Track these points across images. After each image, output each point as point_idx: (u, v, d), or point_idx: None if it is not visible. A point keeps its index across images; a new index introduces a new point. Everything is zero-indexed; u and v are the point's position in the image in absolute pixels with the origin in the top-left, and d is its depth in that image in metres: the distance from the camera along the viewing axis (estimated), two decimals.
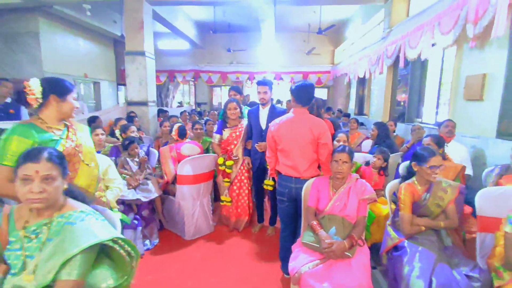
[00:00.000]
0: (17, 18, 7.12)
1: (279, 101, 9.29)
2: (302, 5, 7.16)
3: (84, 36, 8.84)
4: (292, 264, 1.87)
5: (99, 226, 1.21)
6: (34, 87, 1.52)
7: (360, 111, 8.83)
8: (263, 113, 3.11)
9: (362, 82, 8.68)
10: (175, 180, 3.15)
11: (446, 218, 1.93)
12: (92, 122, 4.43)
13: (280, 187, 2.34)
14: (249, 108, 3.53)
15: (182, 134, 3.36)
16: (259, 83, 3.08)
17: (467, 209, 2.42)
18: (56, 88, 1.58)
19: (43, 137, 1.51)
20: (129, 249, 1.25)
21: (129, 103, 6.32)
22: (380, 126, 3.65)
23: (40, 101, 1.54)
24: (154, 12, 6.69)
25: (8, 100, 3.96)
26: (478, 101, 3.41)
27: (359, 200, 1.96)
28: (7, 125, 2.25)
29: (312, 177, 2.23)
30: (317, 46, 10.71)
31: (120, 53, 10.83)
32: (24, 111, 4.10)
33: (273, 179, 3.04)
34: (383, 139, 3.50)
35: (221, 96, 13.52)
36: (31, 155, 1.18)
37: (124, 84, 11.60)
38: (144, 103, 6.23)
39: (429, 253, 1.75)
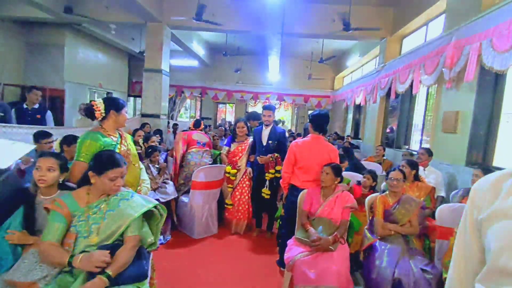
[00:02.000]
0: (46, 31, 7.81)
1: (278, 122, 9.88)
2: (306, 37, 7.92)
3: (103, 50, 9.55)
4: (287, 255, 2.34)
5: (143, 200, 1.75)
6: (100, 105, 2.05)
7: (356, 134, 9.41)
8: (266, 132, 3.66)
9: (358, 108, 9.33)
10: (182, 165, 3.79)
11: (410, 226, 2.43)
12: None
13: (292, 196, 2.80)
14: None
15: (197, 124, 4.09)
16: (265, 108, 3.66)
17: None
18: (114, 105, 2.11)
19: (106, 142, 2.03)
20: (162, 211, 1.80)
21: (143, 115, 6.86)
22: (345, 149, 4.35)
23: (103, 115, 2.06)
24: (172, 34, 7.38)
25: (36, 106, 4.39)
26: (453, 134, 3.97)
27: (342, 207, 2.46)
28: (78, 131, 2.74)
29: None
30: (319, 72, 11.46)
31: (133, 66, 11.56)
32: (49, 117, 4.54)
33: (270, 189, 3.56)
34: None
35: (225, 112, 14.18)
36: (117, 162, 1.69)
37: (134, 96, 12.32)
38: (157, 116, 6.79)
39: (395, 249, 2.23)
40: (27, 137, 3.64)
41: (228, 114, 14.31)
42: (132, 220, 1.63)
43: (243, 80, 12.32)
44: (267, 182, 3.59)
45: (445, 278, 1.49)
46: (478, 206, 0.70)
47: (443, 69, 4.01)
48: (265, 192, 3.55)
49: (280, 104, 12.85)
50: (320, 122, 2.77)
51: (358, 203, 2.63)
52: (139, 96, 10.93)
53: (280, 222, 3.32)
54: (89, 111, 2.06)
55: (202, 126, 4.25)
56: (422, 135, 5.33)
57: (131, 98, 12.57)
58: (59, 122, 7.57)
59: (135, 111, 12.82)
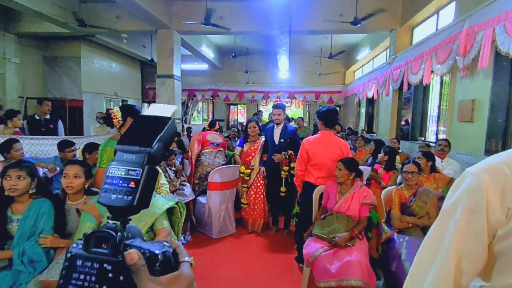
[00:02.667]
0: (62, 45, 8.14)
1: (290, 119, 9.86)
2: (314, 34, 7.89)
3: (116, 59, 9.84)
4: (306, 250, 2.38)
5: (165, 199, 1.86)
6: (117, 113, 2.15)
7: (370, 129, 9.28)
8: (277, 131, 3.70)
9: (371, 102, 9.20)
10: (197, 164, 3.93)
11: (429, 218, 2.41)
12: None
13: (307, 193, 2.84)
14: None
15: (212, 124, 4.23)
16: (275, 107, 3.70)
17: None
18: (131, 112, 2.20)
19: None
20: (181, 208, 1.92)
21: None
22: (377, 142, 4.33)
23: (121, 122, 2.17)
24: (182, 39, 7.53)
25: (48, 116, 4.58)
26: (469, 123, 3.88)
27: (360, 203, 2.46)
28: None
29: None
30: (329, 67, 11.37)
31: (146, 73, 11.85)
32: (60, 126, 4.75)
33: (285, 186, 3.59)
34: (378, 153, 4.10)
35: (237, 113, 14.28)
36: None
37: (148, 102, 12.61)
38: None
39: (413, 241, 2.22)
40: (50, 148, 3.84)
41: (239, 115, 14.41)
42: (158, 215, 1.73)
43: (253, 80, 12.38)
44: (283, 180, 3.63)
45: None
46: (495, 212, 0.60)
47: (456, 57, 3.93)
48: (282, 190, 3.59)
49: (292, 102, 12.83)
50: (328, 118, 2.78)
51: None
52: (153, 102, 11.20)
53: (297, 220, 3.35)
54: (108, 119, 2.17)
55: (217, 127, 4.34)
56: (437, 126, 5.22)
57: (145, 104, 12.88)
58: (78, 131, 7.87)
59: None
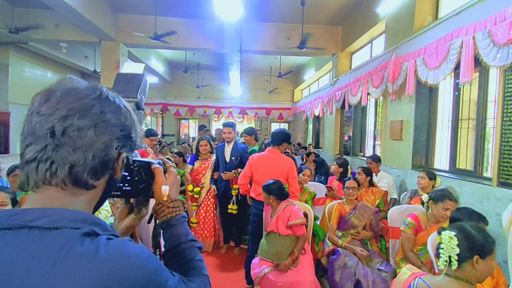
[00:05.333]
0: None
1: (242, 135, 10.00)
2: (263, 54, 8.25)
3: (53, 68, 9.01)
4: (253, 271, 2.40)
5: None
6: None
7: (317, 144, 9.85)
8: (228, 149, 3.74)
9: (317, 119, 9.81)
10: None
11: (367, 230, 2.63)
12: None
13: (255, 209, 2.91)
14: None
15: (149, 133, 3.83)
16: (225, 125, 3.75)
17: None
18: None
19: None
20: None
21: None
22: (318, 161, 4.80)
23: None
24: (129, 52, 7.24)
25: None
26: (399, 141, 4.38)
27: (286, 225, 2.41)
28: None
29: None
30: (279, 85, 11.89)
31: None
32: None
33: (237, 204, 3.60)
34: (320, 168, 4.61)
35: (188, 127, 14.00)
36: None
37: None
38: None
39: (353, 256, 2.40)
40: None
41: (191, 129, 14.15)
42: None
43: (205, 95, 12.35)
44: (233, 198, 3.65)
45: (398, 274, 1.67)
46: None
47: (387, 83, 4.44)
48: (232, 208, 3.60)
49: (244, 118, 13.05)
50: (278, 137, 2.91)
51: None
52: None
53: (248, 237, 3.37)
54: None
55: (156, 138, 4.01)
56: (374, 142, 5.77)
57: None
58: (3, 148, 6.95)
59: None
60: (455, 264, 1.23)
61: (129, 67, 0.71)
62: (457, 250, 1.24)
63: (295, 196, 2.82)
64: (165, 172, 0.75)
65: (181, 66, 10.03)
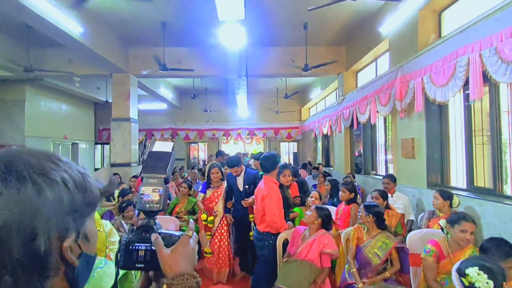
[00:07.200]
0: (4, 88, 7.56)
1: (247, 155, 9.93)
2: (269, 77, 8.40)
3: (67, 101, 9.36)
4: None
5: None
6: None
7: (327, 162, 9.73)
8: (240, 179, 3.72)
9: (326, 136, 9.76)
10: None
11: (391, 265, 2.50)
12: None
13: (261, 241, 2.88)
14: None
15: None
16: (229, 166, 3.72)
17: None
18: None
19: None
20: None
21: (112, 165, 6.67)
22: (333, 181, 4.63)
23: None
24: (139, 82, 7.47)
25: None
26: (412, 159, 4.28)
27: (320, 251, 2.42)
28: None
29: (264, 231, 2.78)
30: (285, 105, 11.97)
31: (100, 114, 11.37)
32: None
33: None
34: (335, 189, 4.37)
35: (197, 150, 14.12)
36: None
37: (102, 143, 11.98)
38: (127, 164, 6.62)
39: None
40: None
41: (200, 151, 14.25)
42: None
43: (213, 118, 12.51)
44: (252, 224, 3.58)
45: None
46: None
47: (395, 101, 4.41)
48: (251, 234, 3.51)
49: (252, 139, 13.11)
50: (265, 163, 2.91)
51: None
52: (107, 143, 10.65)
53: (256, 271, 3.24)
54: None
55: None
56: (386, 161, 5.66)
57: (99, 146, 12.21)
58: None
59: (103, 158, 12.40)
60: None
61: (159, 146, 0.84)
62: (492, 283, 1.24)
63: (272, 227, 2.74)
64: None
65: (189, 92, 10.26)
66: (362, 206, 2.65)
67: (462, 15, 3.74)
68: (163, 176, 0.76)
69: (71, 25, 4.48)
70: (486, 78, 2.85)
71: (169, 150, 0.84)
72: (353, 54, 6.70)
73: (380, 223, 2.56)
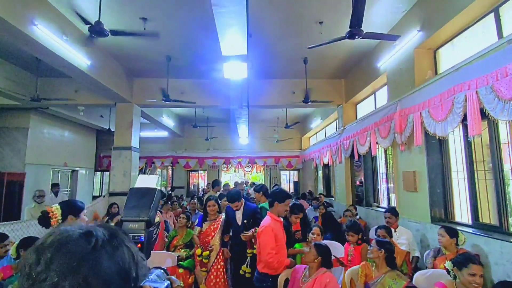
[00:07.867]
0: (8, 115, 7.66)
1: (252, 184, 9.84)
2: (270, 108, 8.56)
3: (70, 128, 9.46)
4: None
5: None
6: (56, 211, 1.96)
7: (328, 192, 9.61)
8: (239, 213, 3.65)
9: (327, 166, 9.72)
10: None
11: None
12: None
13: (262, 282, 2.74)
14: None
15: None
16: (230, 201, 3.63)
17: None
18: (72, 209, 2.02)
19: None
20: None
21: (111, 194, 6.59)
22: (327, 216, 4.72)
23: (60, 221, 1.96)
24: (142, 111, 7.59)
25: None
26: (414, 192, 4.23)
27: None
28: None
29: (263, 272, 2.64)
30: (286, 134, 12.06)
31: (101, 141, 11.44)
32: None
33: (251, 267, 3.40)
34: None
35: (197, 178, 14.01)
36: None
37: (101, 170, 11.92)
38: (126, 194, 6.53)
39: None
40: None
41: (200, 179, 14.13)
42: None
43: (214, 147, 12.56)
44: (248, 259, 3.45)
45: None
46: None
47: (395, 134, 4.45)
48: (246, 270, 3.36)
49: (253, 167, 13.07)
50: (276, 196, 2.79)
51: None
52: (107, 171, 10.60)
53: None
54: (43, 219, 1.94)
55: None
56: (388, 193, 5.59)
57: (98, 173, 12.15)
58: (16, 211, 6.99)
59: (102, 185, 12.29)
60: None
61: (142, 181, 0.75)
62: None
63: (269, 268, 2.60)
64: None
65: (191, 120, 10.40)
66: (374, 241, 2.57)
67: (457, 53, 3.89)
68: (144, 219, 0.68)
69: (79, 59, 4.65)
70: (484, 113, 2.89)
71: (153, 185, 0.82)
72: (352, 86, 6.87)
73: (391, 261, 2.47)
